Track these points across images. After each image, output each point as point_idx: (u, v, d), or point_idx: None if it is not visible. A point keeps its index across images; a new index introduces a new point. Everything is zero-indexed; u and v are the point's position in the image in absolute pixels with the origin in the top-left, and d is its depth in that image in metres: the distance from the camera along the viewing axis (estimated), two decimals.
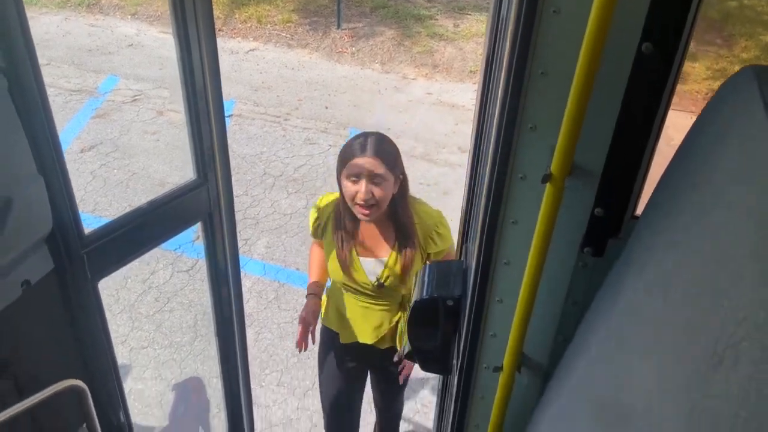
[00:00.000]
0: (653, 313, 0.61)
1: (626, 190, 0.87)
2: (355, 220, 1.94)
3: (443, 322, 1.34)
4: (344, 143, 1.91)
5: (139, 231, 1.54)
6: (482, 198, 0.99)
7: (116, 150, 4.94)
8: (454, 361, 1.29)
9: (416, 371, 3.06)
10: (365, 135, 1.87)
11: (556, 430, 0.89)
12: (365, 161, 1.77)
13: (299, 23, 7.72)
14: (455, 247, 1.74)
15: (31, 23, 1.16)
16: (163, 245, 3.81)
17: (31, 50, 1.17)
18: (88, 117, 5.40)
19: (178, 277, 3.68)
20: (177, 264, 3.76)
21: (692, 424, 0.38)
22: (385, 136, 1.91)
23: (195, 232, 3.85)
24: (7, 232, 1.20)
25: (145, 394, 2.85)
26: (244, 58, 6.85)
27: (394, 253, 1.94)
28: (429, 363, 1.47)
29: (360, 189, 1.78)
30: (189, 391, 2.60)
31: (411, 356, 1.50)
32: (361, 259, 1.97)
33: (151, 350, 3.16)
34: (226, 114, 5.55)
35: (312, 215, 2.10)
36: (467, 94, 6.29)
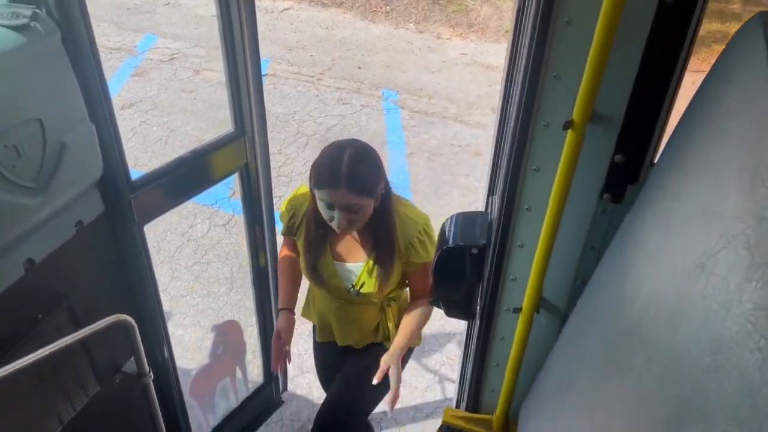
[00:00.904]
0: (659, 248, 0.66)
1: (646, 137, 0.90)
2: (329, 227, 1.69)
3: (468, 270, 1.39)
4: (316, 157, 1.60)
5: (182, 179, 1.62)
6: (506, 146, 1.03)
7: (155, 108, 5.07)
8: (478, 307, 1.35)
9: (439, 326, 3.15)
10: (338, 154, 1.52)
11: (571, 365, 0.95)
12: (339, 196, 1.50)
13: None
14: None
15: None
16: (201, 200, 3.96)
17: (82, 3, 1.24)
18: (128, 75, 5.53)
19: (214, 231, 3.81)
20: (214, 218, 3.90)
21: (678, 320, 0.42)
22: (365, 149, 1.58)
23: (231, 189, 3.97)
24: (62, 175, 1.29)
25: (185, 339, 3.01)
26: (279, 17, 6.86)
27: (371, 260, 1.73)
28: (453, 309, 1.53)
29: (334, 216, 1.56)
30: (227, 334, 2.73)
31: (436, 303, 1.57)
32: (336, 263, 1.77)
33: (190, 299, 3.32)
34: (262, 73, 5.59)
35: (284, 211, 1.82)
36: (502, 55, 6.20)
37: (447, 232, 1.44)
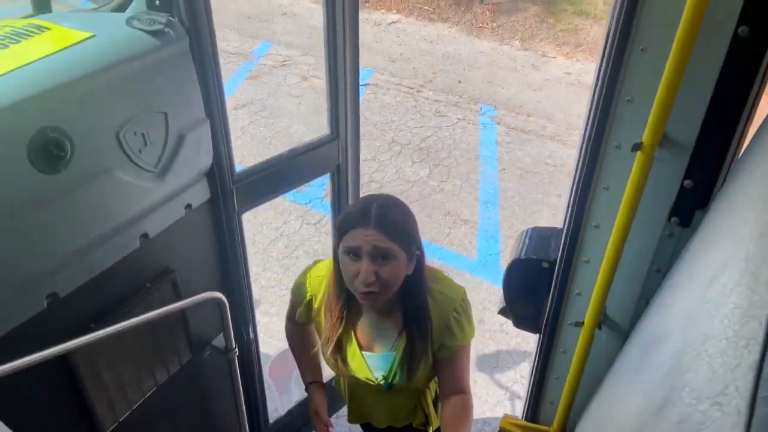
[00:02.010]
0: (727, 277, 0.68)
1: (716, 164, 0.91)
2: (355, 303, 1.51)
3: (538, 283, 1.43)
4: (345, 210, 1.48)
5: (279, 174, 1.78)
6: (578, 163, 1.08)
7: (264, 109, 5.41)
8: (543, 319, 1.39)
9: (515, 343, 3.14)
10: (370, 200, 1.39)
11: (627, 386, 0.97)
12: (367, 235, 1.32)
13: None
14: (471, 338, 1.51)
15: None
16: (296, 199, 4.18)
17: (209, 14, 1.41)
18: (243, 78, 5.93)
19: (306, 228, 4.02)
20: (306, 217, 4.11)
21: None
22: (398, 201, 1.43)
23: (324, 190, 4.17)
24: (177, 163, 1.47)
25: (270, 327, 3.20)
26: (386, 30, 7.08)
27: (401, 347, 1.50)
28: (522, 321, 1.57)
29: (361, 269, 1.34)
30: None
31: (505, 313, 1.61)
32: (364, 354, 1.55)
33: (278, 290, 3.52)
34: (362, 83, 5.77)
35: (297, 289, 1.64)
36: None
37: (520, 245, 1.48)
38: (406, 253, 1.36)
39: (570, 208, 1.11)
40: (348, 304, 1.50)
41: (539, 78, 6.23)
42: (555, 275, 1.20)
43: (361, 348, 1.55)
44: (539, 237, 1.47)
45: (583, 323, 1.14)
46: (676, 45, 0.81)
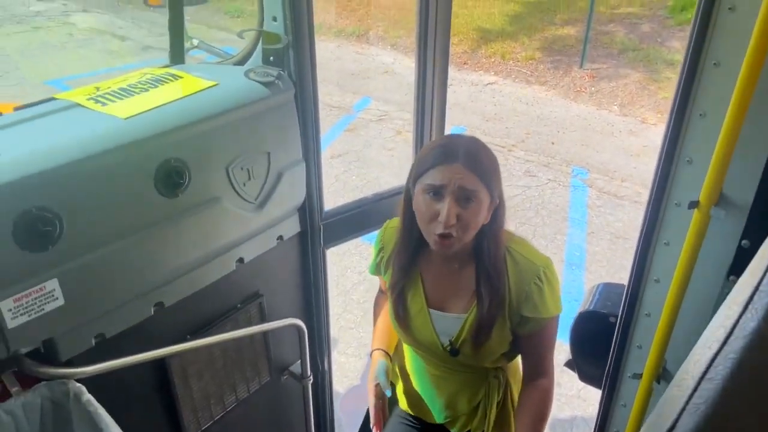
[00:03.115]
0: None
1: None
2: (426, 254, 1.41)
3: (604, 337, 1.45)
4: (425, 146, 1.40)
5: (364, 215, 1.92)
6: (643, 220, 1.13)
7: (358, 160, 5.69)
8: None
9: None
10: (454, 137, 1.31)
11: None
12: (454, 171, 1.22)
13: (541, 61, 7.92)
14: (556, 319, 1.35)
15: None
16: None
17: (314, 70, 1.61)
18: (342, 130, 6.29)
19: None
20: None
21: None
22: (483, 143, 1.32)
23: None
24: (276, 197, 1.65)
25: (345, 366, 3.31)
26: (482, 90, 7.28)
27: (475, 309, 1.35)
28: (586, 374, 1.58)
29: (442, 209, 1.23)
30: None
31: (570, 365, 1.63)
32: (432, 312, 1.42)
33: (356, 332, 3.64)
34: None
35: (376, 244, 1.57)
36: None
37: (590, 298, 1.52)
38: (489, 197, 1.26)
39: (633, 263, 1.15)
40: (417, 251, 1.40)
41: (637, 144, 6.13)
42: (617, 327, 1.23)
43: (429, 305, 1.41)
44: (609, 292, 1.50)
45: (641, 376, 1.16)
46: (731, 109, 0.87)
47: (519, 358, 1.50)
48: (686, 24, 8.04)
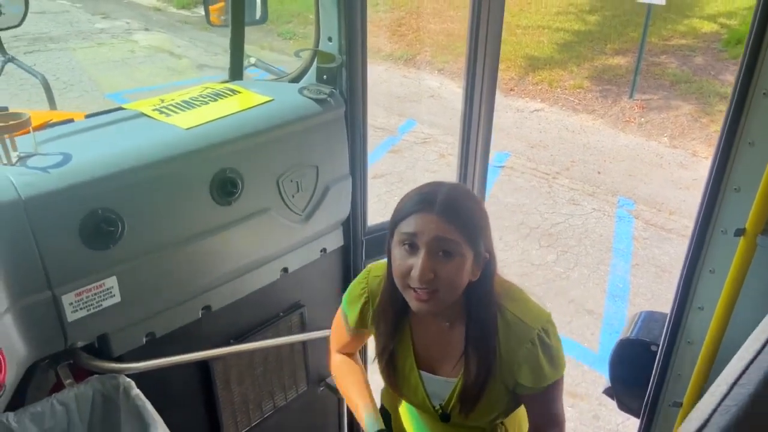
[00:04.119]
0: None
1: None
2: (408, 311, 1.25)
3: (644, 365, 1.43)
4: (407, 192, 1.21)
5: None
6: (688, 247, 1.12)
7: (400, 181, 5.74)
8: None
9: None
10: (436, 185, 1.17)
11: None
12: (430, 220, 1.09)
13: (590, 89, 7.87)
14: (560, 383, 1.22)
15: None
16: None
17: (364, 90, 1.67)
18: (385, 151, 6.37)
19: None
20: None
21: None
22: (470, 191, 1.24)
23: None
24: (322, 210, 1.70)
25: (381, 384, 3.31)
26: (528, 117, 7.26)
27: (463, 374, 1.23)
28: (625, 403, 1.56)
29: (416, 262, 1.09)
30: None
31: (609, 393, 1.61)
32: (423, 374, 1.28)
33: None
34: (498, 164, 5.94)
35: (352, 291, 1.37)
36: None
37: (631, 326, 1.50)
38: (473, 252, 1.11)
39: (677, 290, 1.14)
40: (404, 311, 1.26)
41: (687, 177, 5.99)
42: (658, 355, 1.22)
43: (419, 367, 1.29)
44: (651, 320, 1.48)
45: (681, 404, 1.14)
46: None
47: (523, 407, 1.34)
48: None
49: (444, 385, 1.26)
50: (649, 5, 7.02)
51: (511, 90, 8.02)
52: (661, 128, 7.02)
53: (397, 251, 1.13)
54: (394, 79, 8.40)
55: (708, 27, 9.30)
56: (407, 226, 1.11)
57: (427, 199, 1.11)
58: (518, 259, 4.55)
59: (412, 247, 1.11)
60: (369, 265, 1.40)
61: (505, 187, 5.61)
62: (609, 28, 9.60)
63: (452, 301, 1.14)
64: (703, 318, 1.10)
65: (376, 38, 9.59)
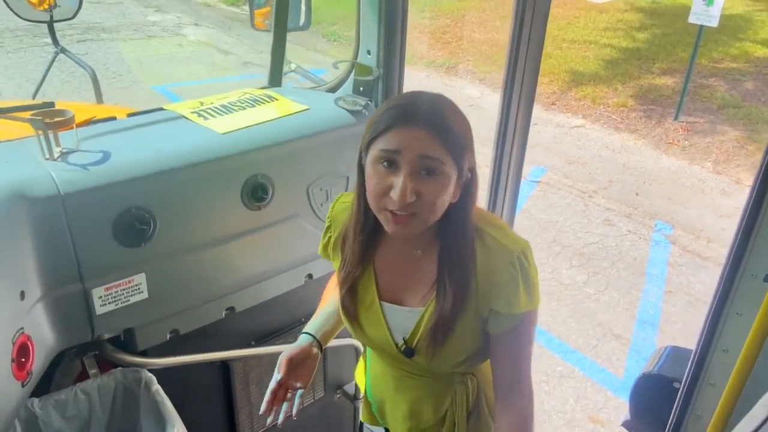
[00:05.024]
0: None
1: None
2: (383, 237, 1.14)
3: (665, 402, 1.40)
4: (382, 104, 1.07)
5: None
6: (716, 288, 1.10)
7: None
8: None
9: None
10: (416, 94, 1.04)
11: None
12: (414, 135, 0.97)
13: (633, 108, 7.72)
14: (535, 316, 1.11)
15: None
16: None
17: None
18: None
19: None
20: None
21: None
22: (452, 101, 1.05)
23: None
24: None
25: None
26: (568, 133, 7.17)
27: (434, 302, 1.09)
28: None
29: (396, 182, 0.97)
30: None
31: (628, 426, 1.58)
32: (384, 305, 1.16)
33: None
34: (534, 179, 5.88)
35: (327, 220, 1.27)
36: None
37: (655, 359, 1.48)
38: (457, 170, 1.01)
39: (702, 330, 1.12)
40: (372, 236, 1.13)
41: (729, 205, 5.82)
42: (679, 394, 1.20)
43: (381, 297, 1.15)
44: (676, 356, 1.45)
45: None
46: None
47: None
48: None
49: (408, 316, 1.13)
50: (701, 26, 6.85)
51: (552, 104, 7.93)
52: (706, 153, 6.84)
53: (373, 169, 1.00)
54: (435, 86, 8.39)
55: (761, 51, 9.04)
56: (387, 142, 0.98)
57: (409, 111, 0.98)
58: (547, 277, 4.49)
59: (391, 165, 0.98)
60: (340, 194, 1.29)
61: (540, 203, 5.54)
62: (658, 47, 9.42)
63: (431, 224, 1.03)
64: (728, 361, 1.07)
65: (420, 44, 9.61)
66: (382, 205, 1.00)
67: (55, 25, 2.57)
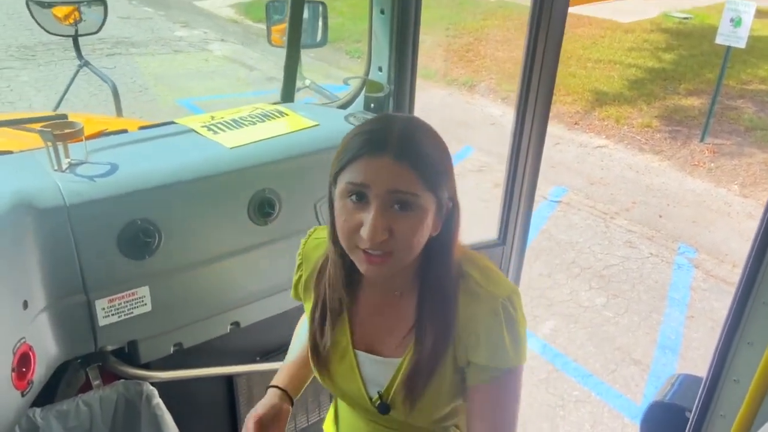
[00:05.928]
0: None
1: None
2: (359, 277, 1.03)
3: (676, 431, 1.36)
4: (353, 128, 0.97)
5: None
6: (727, 315, 1.06)
7: None
8: None
9: None
10: (389, 119, 0.94)
11: None
12: (383, 165, 0.87)
13: (658, 129, 7.62)
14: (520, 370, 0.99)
15: (422, 92, 1.67)
16: None
17: (411, 110, 1.68)
18: None
19: None
20: None
21: None
22: (427, 124, 0.95)
23: None
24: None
25: None
26: (591, 153, 7.09)
27: (412, 351, 0.98)
28: None
29: (365, 219, 0.88)
30: None
31: None
32: (359, 354, 1.05)
33: None
34: (555, 199, 5.83)
35: (298, 258, 1.17)
36: None
37: (667, 387, 1.43)
38: (435, 202, 0.90)
39: (713, 359, 1.08)
40: (348, 278, 1.03)
41: (755, 228, 5.69)
42: (689, 424, 1.15)
43: (355, 345, 1.05)
44: (690, 384, 1.41)
45: None
46: None
47: None
48: None
49: (384, 368, 1.02)
50: (729, 47, 6.76)
51: (575, 124, 7.86)
52: (732, 175, 6.71)
53: (341, 204, 0.91)
54: (456, 104, 8.40)
55: None
56: (354, 175, 0.88)
57: (377, 139, 0.88)
58: (566, 299, 4.42)
59: (361, 199, 0.88)
60: (314, 228, 1.19)
61: (560, 223, 5.48)
62: (684, 67, 9.31)
63: (410, 262, 0.93)
64: (738, 391, 1.03)
65: (441, 62, 9.64)
66: (353, 243, 0.90)
67: (85, 39, 2.64)
